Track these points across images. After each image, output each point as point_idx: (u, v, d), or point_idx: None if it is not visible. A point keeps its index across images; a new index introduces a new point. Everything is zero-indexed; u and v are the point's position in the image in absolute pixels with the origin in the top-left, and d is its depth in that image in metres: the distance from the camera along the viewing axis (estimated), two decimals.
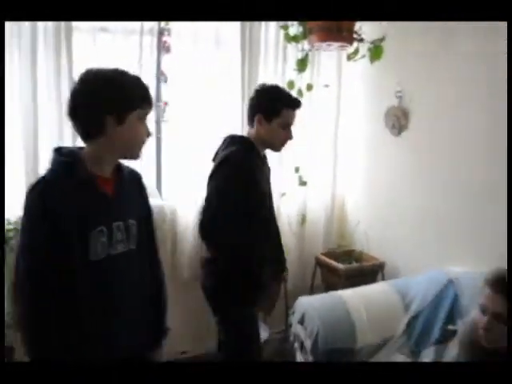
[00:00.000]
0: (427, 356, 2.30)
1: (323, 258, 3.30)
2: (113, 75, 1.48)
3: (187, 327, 3.33)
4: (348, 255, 3.29)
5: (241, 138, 2.32)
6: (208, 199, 2.18)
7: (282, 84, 3.08)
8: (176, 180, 3.13)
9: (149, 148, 3.02)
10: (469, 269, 2.51)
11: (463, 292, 2.41)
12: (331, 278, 3.22)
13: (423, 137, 2.91)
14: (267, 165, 2.40)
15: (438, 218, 2.84)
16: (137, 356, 1.63)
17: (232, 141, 2.27)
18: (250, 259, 2.17)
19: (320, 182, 3.47)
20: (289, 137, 2.26)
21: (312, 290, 3.31)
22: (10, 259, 2.56)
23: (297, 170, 3.19)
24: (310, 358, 2.54)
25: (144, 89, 1.52)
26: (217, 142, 3.04)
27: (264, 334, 3.15)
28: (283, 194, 3.26)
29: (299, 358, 2.71)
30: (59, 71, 2.66)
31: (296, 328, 2.71)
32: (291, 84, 2.91)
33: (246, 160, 2.16)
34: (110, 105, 1.44)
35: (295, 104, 2.24)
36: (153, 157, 3.10)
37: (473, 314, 1.74)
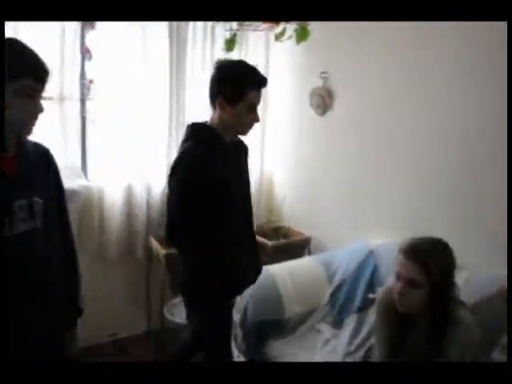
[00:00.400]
0: (349, 323, 2.44)
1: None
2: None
3: (117, 308, 3.30)
4: (276, 231, 3.38)
5: (199, 127, 2.04)
6: (168, 203, 2.01)
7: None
8: (103, 159, 3.08)
9: (74, 127, 2.96)
10: (387, 240, 2.68)
11: (382, 262, 2.57)
12: (262, 253, 3.30)
13: (347, 116, 3.02)
14: (240, 148, 2.18)
15: (360, 194, 2.98)
16: (51, 339, 1.56)
17: (191, 131, 2.03)
18: (219, 262, 2.01)
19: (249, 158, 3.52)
20: (255, 119, 2.01)
21: None
22: None
23: None
24: (240, 332, 2.61)
25: (24, 58, 1.35)
26: (143, 121, 3.08)
27: None
28: None
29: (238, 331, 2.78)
30: None
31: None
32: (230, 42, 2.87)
33: (200, 159, 1.92)
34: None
35: (261, 83, 1.98)
36: (78, 136, 3.02)
37: (390, 281, 1.85)
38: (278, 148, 3.61)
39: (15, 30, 2.52)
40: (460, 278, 2.19)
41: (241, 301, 2.56)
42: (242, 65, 2.02)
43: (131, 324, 3.41)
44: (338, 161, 3.11)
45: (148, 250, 3.28)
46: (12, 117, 1.35)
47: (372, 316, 2.25)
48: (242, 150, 2.20)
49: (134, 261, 3.31)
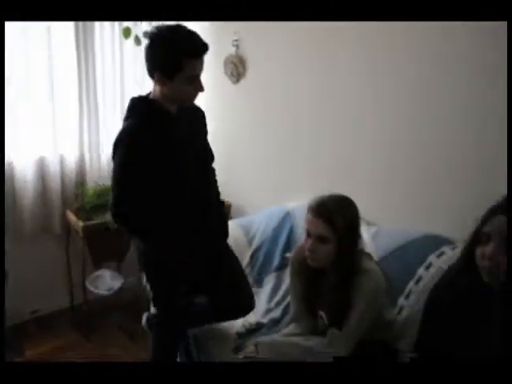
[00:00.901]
0: (269, 282, 2.54)
1: None
2: None
3: (38, 284, 3.22)
4: None
5: (139, 102, 1.92)
6: (112, 184, 1.92)
7: (118, 31, 3.02)
8: (12, 133, 2.92)
9: None
10: (303, 202, 2.79)
11: (298, 223, 2.68)
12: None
13: (260, 84, 3.07)
14: (192, 116, 2.04)
15: (276, 159, 3.07)
16: None
17: (131, 107, 1.92)
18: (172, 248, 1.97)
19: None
20: (199, 89, 1.86)
21: None
22: None
23: None
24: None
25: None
26: (49, 88, 2.94)
27: (118, 282, 3.20)
28: None
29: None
30: None
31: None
32: (127, 31, 2.84)
33: (139, 139, 1.83)
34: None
35: (199, 51, 1.79)
36: None
37: (301, 242, 1.95)
38: None
39: None
40: (369, 233, 2.37)
41: None
42: (176, 32, 1.79)
43: (54, 299, 3.34)
44: (253, 128, 3.17)
45: (65, 223, 3.19)
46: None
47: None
48: (194, 117, 2.07)
49: (52, 235, 3.23)
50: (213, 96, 3.41)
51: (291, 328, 1.97)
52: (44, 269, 3.26)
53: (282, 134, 2.99)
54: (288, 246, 2.60)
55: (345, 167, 2.69)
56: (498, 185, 1.96)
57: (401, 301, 2.13)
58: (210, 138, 3.41)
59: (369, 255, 1.93)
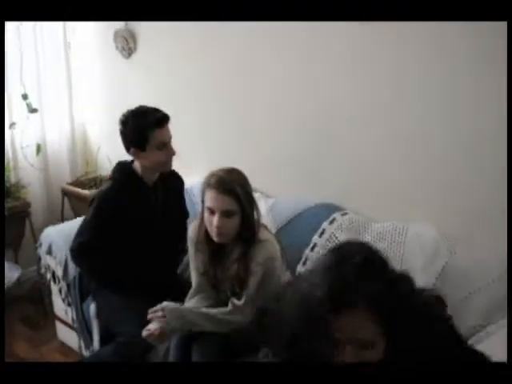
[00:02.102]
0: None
1: (70, 187, 3.22)
2: None
3: None
4: (94, 181, 3.27)
5: (122, 169, 2.19)
6: (80, 226, 2.18)
7: None
8: None
9: None
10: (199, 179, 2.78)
11: (197, 200, 2.67)
12: (81, 206, 3.18)
13: (151, 59, 2.96)
14: (169, 185, 2.25)
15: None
16: None
17: (115, 170, 2.21)
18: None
19: (56, 109, 3.30)
20: (171, 153, 2.11)
21: (63, 222, 3.24)
22: None
23: (25, 97, 2.97)
24: (64, 286, 2.55)
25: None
26: None
27: (15, 273, 3.02)
28: (12, 124, 3.01)
29: (54, 288, 2.70)
30: None
31: (46, 259, 2.66)
32: None
33: (111, 203, 2.10)
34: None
35: (161, 121, 2.06)
36: None
37: (198, 216, 1.94)
38: (88, 96, 3.43)
39: None
40: (266, 205, 2.41)
41: (60, 253, 2.49)
42: (138, 112, 2.07)
43: None
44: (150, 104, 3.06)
45: None
46: None
47: None
48: (173, 184, 2.30)
49: None
50: (105, 70, 3.27)
51: (194, 301, 1.96)
52: None
53: (174, 108, 2.91)
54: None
55: (242, 141, 2.69)
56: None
57: (299, 268, 2.20)
58: (104, 115, 3.36)
59: (265, 226, 1.96)
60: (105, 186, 2.21)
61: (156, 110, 2.09)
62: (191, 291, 1.99)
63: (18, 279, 3.01)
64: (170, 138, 2.12)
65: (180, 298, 1.99)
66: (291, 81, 2.41)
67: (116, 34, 3.00)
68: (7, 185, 2.98)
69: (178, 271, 2.45)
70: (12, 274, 3.03)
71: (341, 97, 2.25)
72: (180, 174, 2.38)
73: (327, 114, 2.32)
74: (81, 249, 2.16)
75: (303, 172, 2.47)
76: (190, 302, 1.96)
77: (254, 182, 2.54)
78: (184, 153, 2.89)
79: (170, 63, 2.88)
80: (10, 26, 2.88)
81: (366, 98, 2.17)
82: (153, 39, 2.91)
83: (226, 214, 1.77)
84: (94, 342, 2.28)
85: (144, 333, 1.80)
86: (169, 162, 2.16)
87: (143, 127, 2.04)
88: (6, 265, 3.04)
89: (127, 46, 2.97)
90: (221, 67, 2.68)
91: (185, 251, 2.44)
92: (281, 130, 2.52)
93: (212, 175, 1.81)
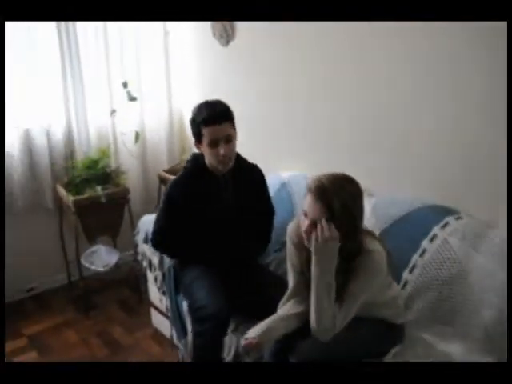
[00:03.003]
0: (271, 264, 2.39)
1: (166, 174, 3.21)
2: None
3: (31, 262, 3.10)
4: None
5: (193, 160, 2.19)
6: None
7: None
8: None
9: None
10: (298, 172, 2.64)
11: (295, 191, 2.53)
12: None
13: (250, 46, 2.82)
14: (246, 178, 2.21)
15: (268, 125, 2.87)
16: None
17: (188, 160, 2.22)
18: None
19: (154, 97, 3.29)
20: (219, 154, 2.01)
21: None
22: None
23: (125, 85, 2.97)
24: (159, 275, 2.53)
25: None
26: (34, 58, 2.75)
27: (114, 257, 3.08)
28: (113, 112, 3.04)
29: (150, 276, 2.70)
30: None
31: (142, 247, 2.67)
32: None
33: (181, 190, 2.13)
34: None
35: (209, 120, 1.99)
36: None
37: (299, 216, 1.80)
38: (185, 84, 3.38)
39: None
40: (369, 205, 2.21)
41: None
42: (197, 107, 2.07)
43: (50, 276, 3.24)
44: (244, 93, 2.95)
45: (57, 198, 3.05)
46: None
47: None
48: (248, 179, 2.23)
49: (45, 211, 3.09)
50: (202, 59, 3.20)
51: (288, 307, 1.83)
52: (39, 245, 3.14)
53: (273, 98, 2.79)
54: (288, 219, 2.43)
55: (340, 135, 2.50)
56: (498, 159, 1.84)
57: (405, 274, 1.99)
58: (203, 99, 3.27)
59: (372, 234, 1.77)
60: (178, 174, 2.24)
61: (207, 108, 2.03)
62: (288, 293, 1.86)
63: (117, 263, 3.09)
64: (223, 136, 2.02)
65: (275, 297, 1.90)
66: (394, 77, 2.18)
67: (214, 22, 2.90)
68: (107, 170, 3.02)
69: (271, 268, 2.35)
70: (111, 257, 3.10)
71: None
72: (277, 165, 2.26)
73: (432, 111, 2.07)
74: (155, 238, 2.23)
75: (405, 170, 2.25)
76: (285, 307, 1.83)
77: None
78: (281, 143, 2.82)
79: (268, 51, 2.73)
80: None
81: None
82: (252, 26, 2.77)
83: (315, 223, 1.63)
84: (188, 336, 2.24)
85: (242, 342, 1.72)
86: (219, 161, 2.06)
87: (197, 122, 2.04)
88: (105, 249, 3.11)
89: (225, 34, 2.86)
90: (316, 58, 2.49)
91: (279, 249, 2.38)
92: (374, 126, 2.31)
93: (315, 180, 1.65)
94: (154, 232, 2.23)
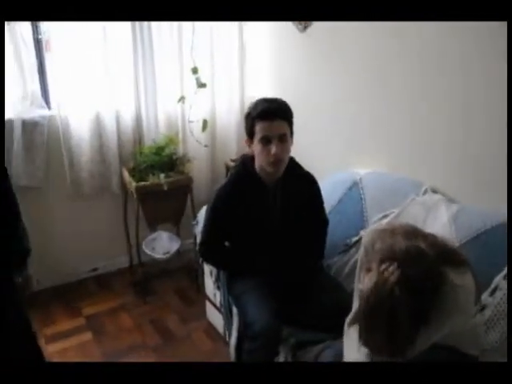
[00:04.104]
0: (332, 266, 2.19)
1: (233, 164, 3.07)
2: None
3: (95, 244, 3.12)
4: None
5: (242, 165, 2.04)
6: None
7: None
8: (65, 86, 2.72)
9: (29, 51, 2.60)
10: (373, 169, 2.39)
11: (367, 193, 2.29)
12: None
13: (329, 32, 2.59)
14: (297, 187, 2.02)
15: (343, 116, 2.64)
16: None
17: (237, 163, 2.10)
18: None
19: (226, 85, 3.15)
20: (270, 153, 1.84)
21: None
22: None
23: (194, 71, 2.84)
24: (214, 269, 2.40)
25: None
26: (103, 44, 2.71)
27: (175, 245, 3.01)
28: (181, 98, 2.93)
29: (206, 269, 2.59)
30: None
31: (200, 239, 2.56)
32: None
33: (226, 199, 1.99)
34: None
35: (264, 115, 1.84)
36: (33, 62, 2.66)
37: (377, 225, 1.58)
38: (259, 71, 3.21)
39: None
40: (449, 212, 1.94)
41: None
42: (256, 100, 1.93)
43: (113, 259, 3.23)
44: (320, 82, 2.73)
45: (123, 183, 3.01)
46: None
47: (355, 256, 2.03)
48: (300, 189, 2.05)
49: (112, 194, 3.07)
50: (279, 45, 3.02)
51: (353, 330, 1.59)
52: (105, 227, 3.14)
53: (351, 89, 2.54)
54: (356, 220, 2.23)
55: (419, 133, 2.23)
56: None
57: (485, 297, 1.71)
58: (277, 87, 3.13)
59: (463, 262, 1.49)
60: (224, 180, 2.08)
61: (263, 103, 1.88)
62: (352, 316, 1.64)
63: (177, 251, 3.01)
64: (277, 134, 1.85)
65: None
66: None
67: None
68: (173, 157, 2.93)
69: (332, 271, 2.17)
70: (172, 245, 3.04)
71: None
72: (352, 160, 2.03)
73: None
74: (202, 248, 2.14)
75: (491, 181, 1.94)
76: (350, 331, 1.61)
77: (435, 181, 2.15)
78: (357, 135, 2.58)
79: (345, 38, 2.49)
80: None
81: None
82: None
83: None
84: (232, 339, 2.11)
85: None
86: (269, 161, 1.88)
87: (251, 116, 1.89)
88: (167, 236, 3.05)
89: None
90: (394, 50, 2.22)
91: (343, 251, 2.17)
92: (459, 127, 2.02)
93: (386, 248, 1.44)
94: (201, 243, 2.14)
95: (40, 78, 2.73)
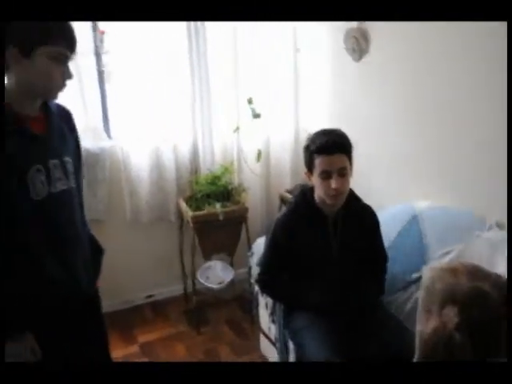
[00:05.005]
0: (392, 303, 2.10)
1: (287, 195, 3.05)
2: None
3: (151, 271, 3.15)
4: None
5: (302, 194, 2.02)
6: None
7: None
8: (125, 119, 2.81)
9: (91, 83, 2.71)
10: (434, 203, 2.28)
11: (427, 229, 2.18)
12: None
13: (385, 63, 2.54)
14: (357, 219, 1.99)
15: (405, 150, 2.56)
16: (79, 293, 1.55)
17: (296, 194, 2.08)
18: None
19: (281, 115, 3.15)
20: (330, 187, 1.82)
21: None
22: None
23: (250, 101, 2.86)
24: (270, 302, 2.35)
25: (61, 24, 1.35)
26: (162, 78, 2.78)
27: (229, 275, 3.00)
28: (237, 129, 2.95)
29: (261, 300, 2.55)
30: None
31: (256, 270, 2.52)
32: None
33: (286, 225, 1.97)
34: (13, 33, 1.29)
35: (323, 149, 1.81)
36: (96, 93, 2.76)
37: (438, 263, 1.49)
38: (313, 100, 3.19)
39: None
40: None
41: None
42: (315, 133, 1.91)
43: (169, 286, 3.25)
44: (376, 114, 2.67)
45: (179, 211, 3.05)
46: (42, 80, 1.35)
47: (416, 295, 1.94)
48: (361, 222, 2.01)
49: (168, 222, 3.10)
50: (333, 75, 2.99)
51: None
52: (161, 255, 3.17)
53: (411, 120, 2.47)
54: (416, 255, 2.12)
55: (485, 165, 2.12)
56: None
57: None
58: (333, 118, 3.09)
59: None
60: (283, 211, 2.07)
61: (330, 135, 1.85)
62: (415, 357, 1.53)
63: (231, 281, 2.99)
64: (337, 168, 1.82)
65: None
66: None
67: (347, 35, 2.68)
68: (229, 187, 2.95)
69: (392, 309, 2.05)
70: (226, 275, 3.03)
71: None
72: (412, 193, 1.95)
73: None
74: (261, 279, 2.10)
75: None
76: None
77: (501, 216, 2.03)
78: (418, 168, 2.49)
79: (402, 65, 2.43)
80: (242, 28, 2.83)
81: None
82: (386, 40, 2.50)
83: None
84: None
85: None
86: (330, 195, 1.85)
87: (310, 150, 1.87)
88: (221, 266, 3.04)
89: (358, 48, 2.61)
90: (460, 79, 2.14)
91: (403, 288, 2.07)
92: None
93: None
94: (260, 273, 2.10)
95: (102, 109, 2.82)
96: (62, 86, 1.40)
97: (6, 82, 1.36)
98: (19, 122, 1.34)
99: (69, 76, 1.39)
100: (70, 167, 1.48)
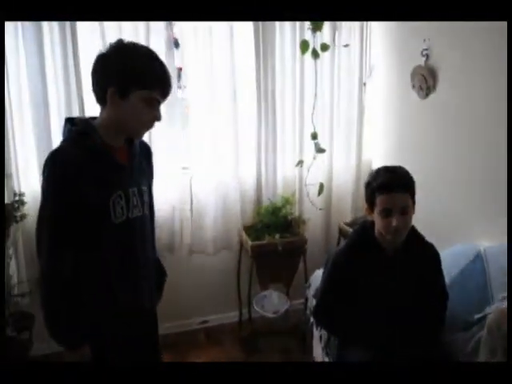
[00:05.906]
0: (453, 343, 2.02)
1: (346, 228, 3.05)
2: (129, 48, 1.42)
3: (208, 297, 3.21)
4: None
5: (361, 229, 2.02)
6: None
7: (295, 44, 2.85)
8: (196, 154, 2.94)
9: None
10: (498, 243, 2.21)
11: (492, 267, 2.11)
12: None
13: (452, 99, 2.52)
14: (416, 258, 1.95)
15: (468, 187, 2.51)
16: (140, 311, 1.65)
17: (355, 229, 2.09)
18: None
19: (344, 150, 3.18)
20: (391, 225, 1.80)
21: None
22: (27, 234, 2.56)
23: (314, 136, 2.91)
24: (325, 335, 2.34)
25: (157, 70, 1.43)
26: (230, 111, 2.89)
27: (285, 305, 3.01)
28: (300, 162, 3.00)
29: (315, 333, 2.54)
30: (67, 67, 2.54)
31: (312, 302, 2.52)
32: (305, 44, 2.64)
33: (344, 265, 1.96)
34: (112, 75, 1.40)
35: (385, 187, 1.79)
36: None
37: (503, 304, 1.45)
38: (377, 134, 3.21)
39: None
40: None
41: None
42: (377, 170, 1.91)
43: (224, 313, 3.29)
44: (443, 150, 2.65)
45: (240, 239, 3.11)
46: (133, 121, 1.45)
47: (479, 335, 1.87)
48: (421, 258, 1.97)
49: (228, 250, 3.17)
50: (399, 112, 3.01)
51: None
52: (218, 281, 3.23)
53: (476, 157, 2.43)
54: (479, 296, 2.06)
55: None
56: None
57: None
58: (396, 154, 3.08)
59: None
60: (341, 244, 2.08)
61: (392, 173, 1.84)
62: None
63: (286, 311, 3.00)
64: (398, 207, 1.79)
65: None
66: None
67: (414, 72, 2.70)
68: (289, 218, 2.99)
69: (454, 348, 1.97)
70: (282, 305, 3.04)
71: None
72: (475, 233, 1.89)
73: None
74: (317, 311, 2.10)
75: None
76: None
77: None
78: (480, 206, 2.44)
79: (469, 102, 2.41)
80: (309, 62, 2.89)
81: None
82: (454, 77, 2.50)
83: None
84: None
85: None
86: (388, 231, 1.83)
87: (371, 187, 1.85)
88: (277, 295, 3.06)
89: (425, 85, 2.62)
90: None
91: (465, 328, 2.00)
92: None
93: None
94: (316, 305, 2.11)
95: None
96: (150, 127, 1.51)
97: (100, 114, 1.49)
98: (106, 151, 1.46)
99: (158, 119, 1.49)
100: (146, 196, 1.60)
